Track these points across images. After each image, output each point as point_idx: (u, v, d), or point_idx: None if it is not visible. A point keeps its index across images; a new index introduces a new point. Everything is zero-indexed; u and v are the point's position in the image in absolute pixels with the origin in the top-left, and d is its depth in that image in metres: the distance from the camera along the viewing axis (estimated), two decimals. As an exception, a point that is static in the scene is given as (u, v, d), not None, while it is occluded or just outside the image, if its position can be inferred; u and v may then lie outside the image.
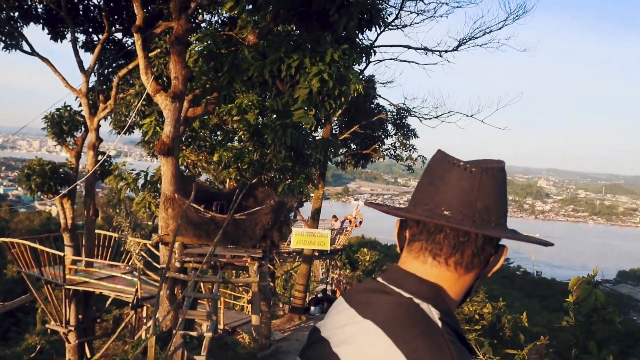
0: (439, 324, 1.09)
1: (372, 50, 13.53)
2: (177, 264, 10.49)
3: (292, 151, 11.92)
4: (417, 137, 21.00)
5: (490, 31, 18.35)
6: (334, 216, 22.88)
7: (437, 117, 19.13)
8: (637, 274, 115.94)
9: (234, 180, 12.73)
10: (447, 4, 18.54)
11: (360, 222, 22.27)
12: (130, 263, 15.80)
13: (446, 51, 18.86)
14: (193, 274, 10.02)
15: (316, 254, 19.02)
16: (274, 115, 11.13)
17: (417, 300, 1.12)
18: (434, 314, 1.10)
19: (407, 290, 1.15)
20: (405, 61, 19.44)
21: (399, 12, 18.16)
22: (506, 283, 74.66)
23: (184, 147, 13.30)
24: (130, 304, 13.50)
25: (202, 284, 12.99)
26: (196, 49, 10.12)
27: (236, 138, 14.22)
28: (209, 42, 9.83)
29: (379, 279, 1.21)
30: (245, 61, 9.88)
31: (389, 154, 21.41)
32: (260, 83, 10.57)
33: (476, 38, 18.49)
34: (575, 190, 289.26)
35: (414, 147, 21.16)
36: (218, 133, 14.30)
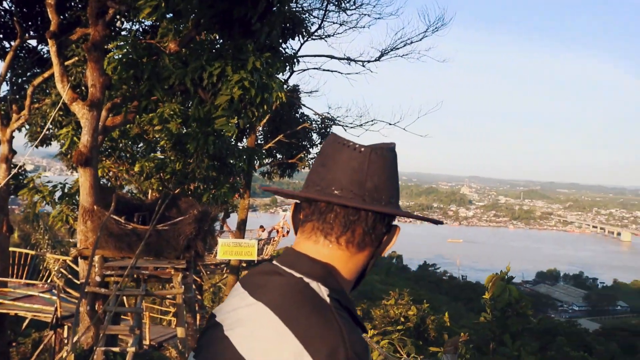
0: (328, 300, 1.10)
1: (295, 60, 13.65)
2: (98, 278, 10.14)
3: (215, 160, 11.79)
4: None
5: (411, 42, 18.88)
6: (261, 226, 22.75)
7: (360, 125, 19.46)
8: (554, 274, 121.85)
9: (156, 191, 12.45)
10: (368, 15, 18.94)
11: (288, 232, 22.22)
12: (49, 281, 15.09)
13: (369, 61, 19.23)
14: (114, 288, 9.70)
15: (244, 264, 18.83)
16: (196, 124, 10.99)
17: (307, 280, 1.13)
18: (323, 291, 1.11)
19: (299, 270, 1.15)
20: (328, 70, 19.68)
21: (321, 22, 18.39)
22: (433, 288, 76.66)
23: (103, 158, 12.88)
24: (49, 324, 12.87)
25: (125, 298, 12.58)
26: (115, 56, 9.85)
27: (158, 148, 13.91)
28: (128, 49, 9.60)
29: (274, 262, 1.22)
30: (166, 69, 9.72)
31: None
32: (181, 91, 10.41)
33: (397, 49, 18.98)
34: (496, 196, 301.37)
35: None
36: (140, 144, 13.95)
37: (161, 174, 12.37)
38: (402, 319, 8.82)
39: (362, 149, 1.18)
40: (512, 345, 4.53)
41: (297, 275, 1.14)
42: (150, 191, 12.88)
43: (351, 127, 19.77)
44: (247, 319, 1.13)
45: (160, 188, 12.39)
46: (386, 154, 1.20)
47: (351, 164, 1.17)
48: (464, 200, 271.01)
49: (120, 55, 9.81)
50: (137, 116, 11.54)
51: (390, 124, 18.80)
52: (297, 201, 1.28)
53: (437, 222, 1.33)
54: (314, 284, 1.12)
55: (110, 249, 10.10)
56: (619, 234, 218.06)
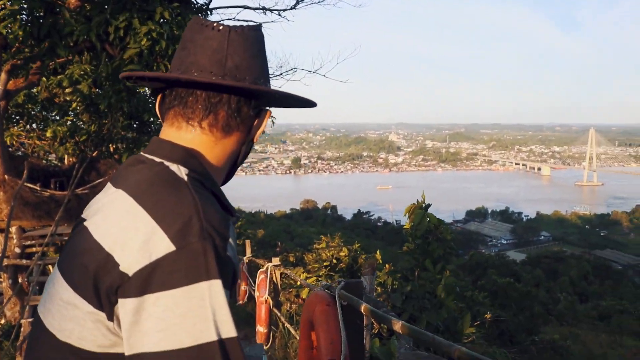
0: (185, 178, 1.05)
1: (208, 11, 13.15)
2: (17, 250, 9.71)
3: (132, 119, 11.36)
4: (265, 97, 21.00)
5: (326, -12, 18.59)
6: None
7: (280, 75, 19.16)
8: (482, 211, 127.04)
9: (72, 155, 11.91)
10: (282, -38, 18.49)
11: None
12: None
13: (285, 10, 18.79)
14: (36, 258, 9.32)
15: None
16: (107, 83, 10.49)
17: (167, 163, 1.08)
18: (182, 171, 1.06)
19: (159, 155, 1.10)
20: (243, 21, 19.15)
21: (234, -29, 17.79)
22: (369, 235, 78.49)
23: (10, 126, 12.17)
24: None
25: (51, 267, 12.16)
26: (7, 12, 9.17)
27: (71, 111, 13.25)
28: (22, 4, 8.95)
29: (140, 152, 1.16)
30: (67, 25, 9.15)
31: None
32: (88, 48, 9.87)
33: (313, -5, 18.66)
34: (423, 141, 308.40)
35: (262, 107, 21.19)
36: (51, 108, 13.24)
37: (76, 138, 11.82)
38: (335, 261, 8.91)
39: (221, 28, 1.12)
40: (433, 269, 4.67)
41: (158, 160, 1.09)
42: (66, 156, 12.32)
43: (272, 78, 19.48)
44: (104, 207, 1.07)
45: (77, 152, 11.87)
46: (248, 32, 1.15)
47: (210, 43, 1.12)
48: (392, 148, 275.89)
49: (11, 11, 9.14)
50: (45, 79, 10.91)
51: (310, 72, 18.60)
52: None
53: (311, 104, 1.27)
54: (174, 167, 1.07)
55: (27, 219, 9.66)
56: (539, 169, 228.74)
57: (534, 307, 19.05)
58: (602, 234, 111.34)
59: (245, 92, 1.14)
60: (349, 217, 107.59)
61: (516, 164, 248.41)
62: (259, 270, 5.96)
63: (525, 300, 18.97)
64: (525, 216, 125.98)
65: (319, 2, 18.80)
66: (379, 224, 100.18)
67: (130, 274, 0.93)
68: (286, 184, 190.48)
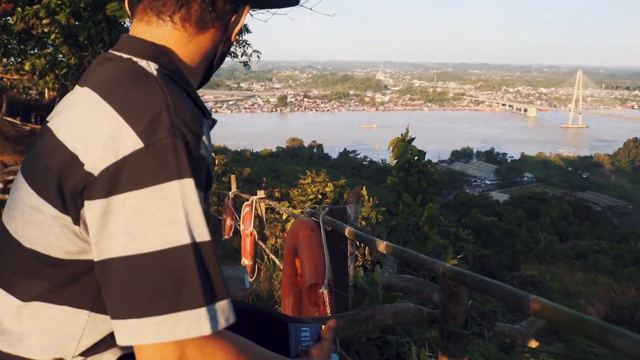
0: (155, 73, 0.97)
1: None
2: (0, 185, 9.63)
3: (113, 50, 11.05)
4: (250, 32, 20.48)
5: None
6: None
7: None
8: (467, 152, 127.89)
9: (52, 89, 11.65)
10: None
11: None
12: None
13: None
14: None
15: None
16: (87, 13, 10.14)
17: (135, 59, 1.00)
18: (151, 67, 0.99)
19: (128, 52, 1.02)
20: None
21: None
22: (355, 174, 78.88)
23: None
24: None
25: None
26: None
27: (49, 43, 12.86)
28: None
29: (109, 50, 1.08)
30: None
31: (224, 52, 20.82)
32: (65, -25, 9.49)
33: None
34: (411, 80, 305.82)
35: (248, 42, 20.72)
36: (28, 40, 12.85)
37: (56, 71, 11.52)
38: (320, 196, 8.94)
39: None
40: (413, 201, 4.69)
41: (126, 56, 1.01)
42: (46, 90, 12.04)
43: (255, 13, 19.02)
44: (68, 106, 1.00)
45: (57, 86, 11.59)
46: None
47: None
48: (379, 86, 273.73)
49: None
50: (20, 9, 10.53)
51: (296, 4, 18.17)
52: None
53: (293, 1, 1.22)
54: (143, 62, 0.99)
55: (9, 153, 9.57)
56: (525, 110, 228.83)
57: (516, 245, 19.48)
58: (584, 175, 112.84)
59: None
60: (335, 155, 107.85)
61: (503, 104, 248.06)
62: (244, 203, 5.97)
63: (507, 239, 19.37)
64: (509, 157, 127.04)
65: None
66: (364, 162, 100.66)
67: (96, 173, 0.87)
68: (272, 122, 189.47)
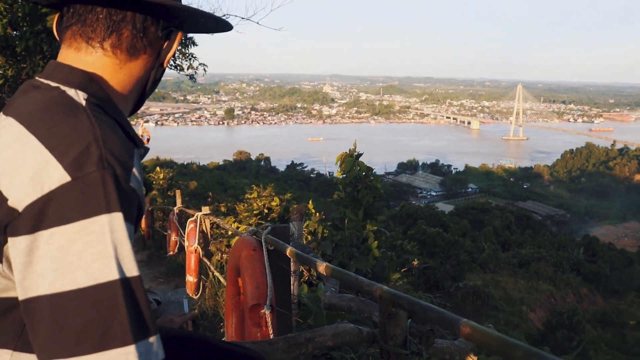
0: (83, 103, 0.94)
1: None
2: None
3: (54, 62, 10.73)
4: (196, 45, 20.28)
5: None
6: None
7: (214, 22, 18.61)
8: (413, 164, 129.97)
9: (-11, 100, 11.20)
10: None
11: (148, 140, 21.32)
12: None
13: (218, -48, 18.18)
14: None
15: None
16: (25, 23, 9.84)
17: (63, 88, 0.97)
18: (80, 96, 0.96)
19: (56, 79, 0.98)
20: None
21: None
22: (302, 186, 79.03)
23: None
24: None
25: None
26: None
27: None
28: None
29: (35, 77, 1.04)
30: (-21, -42, 8.48)
31: (169, 65, 20.54)
32: (2, -16, 9.19)
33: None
34: (357, 93, 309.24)
35: (194, 55, 20.54)
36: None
37: (-8, 82, 11.11)
38: (266, 210, 8.90)
39: None
40: (356, 217, 4.73)
41: (54, 84, 0.97)
42: (-19, 102, 11.58)
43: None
44: None
45: (-7, 97, 11.17)
46: None
47: None
48: (326, 99, 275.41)
49: None
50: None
51: (243, 19, 18.11)
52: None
53: (226, 26, 1.17)
54: (72, 91, 0.96)
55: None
56: (469, 122, 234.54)
57: (460, 256, 19.91)
58: (525, 186, 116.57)
59: (152, 10, 1.02)
60: (282, 168, 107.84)
61: (447, 117, 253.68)
62: (189, 220, 5.88)
63: (452, 249, 19.77)
64: (454, 169, 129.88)
65: (253, -55, 18.28)
66: (312, 175, 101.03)
67: (20, 209, 0.84)
68: (219, 135, 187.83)
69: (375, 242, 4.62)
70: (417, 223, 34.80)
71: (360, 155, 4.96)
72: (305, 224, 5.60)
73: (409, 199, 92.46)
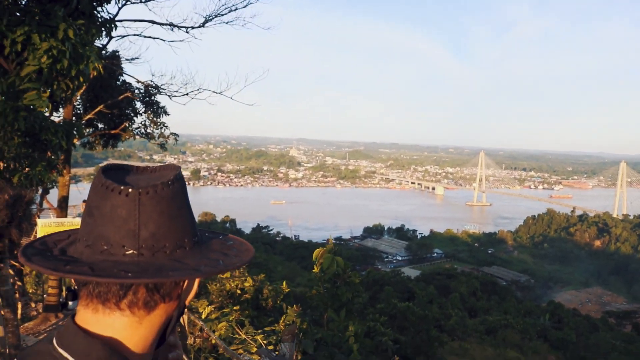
0: None
1: (113, 25, 12.71)
2: None
3: (27, 137, 10.68)
4: (168, 114, 20.46)
5: (236, 9, 18.44)
6: (84, 200, 21.25)
7: (186, 94, 18.81)
8: (379, 228, 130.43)
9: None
10: (191, -21, 18.17)
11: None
12: None
13: (193, 27, 18.53)
14: None
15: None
16: (2, 98, 9.82)
17: None
18: None
19: (75, 354, 0.96)
20: (150, 37, 18.65)
21: (141, -16, 17.27)
22: (268, 249, 78.35)
23: None
24: None
25: None
26: None
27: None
28: None
29: (53, 340, 1.00)
30: (-42, 36, 8.54)
31: (139, 132, 20.53)
32: (-20, 61, 9.22)
33: (222, 15, 18.45)
34: (324, 157, 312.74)
35: (165, 124, 20.61)
36: None
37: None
38: (239, 292, 8.82)
39: (130, 192, 0.97)
40: (337, 317, 4.74)
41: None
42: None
43: (177, 96, 19.07)
44: None
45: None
46: (162, 191, 1.00)
47: (118, 212, 0.97)
48: (293, 162, 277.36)
49: None
50: None
51: (216, 93, 18.40)
52: None
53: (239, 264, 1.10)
54: None
55: None
56: (433, 188, 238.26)
57: (430, 330, 19.88)
58: (489, 251, 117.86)
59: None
60: (248, 230, 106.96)
61: (412, 183, 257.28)
62: None
63: (422, 324, 19.77)
64: (419, 233, 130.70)
65: (227, 22, 18.71)
66: (277, 238, 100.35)
67: None
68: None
69: (356, 344, 4.60)
70: (384, 289, 34.68)
71: (338, 251, 5.00)
72: (282, 319, 5.56)
73: (375, 263, 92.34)
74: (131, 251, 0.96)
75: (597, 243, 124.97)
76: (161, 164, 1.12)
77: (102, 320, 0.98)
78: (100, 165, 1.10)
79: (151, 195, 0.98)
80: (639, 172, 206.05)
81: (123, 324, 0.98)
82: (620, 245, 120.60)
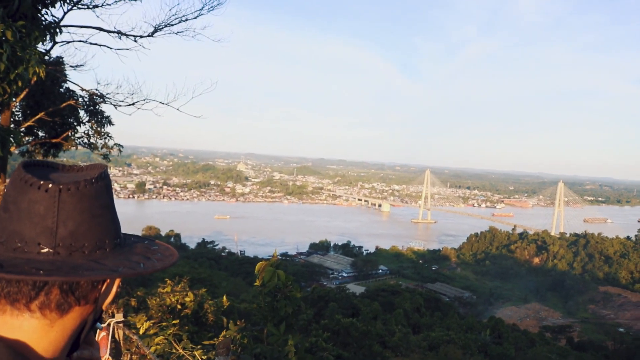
0: None
1: (57, 29, 12.37)
2: None
3: (-42, 144, 10.23)
4: (113, 124, 19.97)
5: (186, 19, 18.24)
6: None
7: (132, 104, 18.42)
8: (325, 245, 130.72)
9: None
10: (141, -13, 17.84)
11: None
12: None
13: (141, 36, 18.21)
14: None
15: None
16: None
17: None
18: None
19: None
20: (96, 44, 18.23)
21: (87, -10, 16.89)
22: (213, 265, 77.36)
23: None
24: None
25: None
26: None
27: None
28: None
29: None
30: None
31: (82, 142, 19.95)
32: None
33: (172, 25, 18.21)
34: (271, 172, 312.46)
35: (109, 134, 20.10)
36: None
37: None
38: (179, 307, 8.65)
39: (50, 187, 0.92)
40: (277, 331, 4.69)
41: None
42: None
43: (123, 106, 18.66)
44: None
45: None
46: (85, 189, 0.95)
47: (36, 208, 0.91)
48: (240, 177, 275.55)
49: None
50: None
51: (163, 104, 18.10)
52: None
53: (165, 265, 1.04)
54: None
55: None
56: (379, 205, 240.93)
57: (373, 345, 19.96)
58: (433, 268, 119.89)
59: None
60: (193, 245, 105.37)
61: (359, 199, 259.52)
62: (100, 327, 5.51)
63: (365, 340, 19.83)
64: (365, 250, 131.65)
65: (177, 32, 18.48)
66: (223, 253, 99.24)
67: None
68: (128, 209, 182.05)
69: (295, 358, 4.55)
70: (329, 305, 34.70)
71: (280, 264, 4.95)
72: (222, 334, 5.46)
73: (320, 279, 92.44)
74: (47, 249, 0.91)
75: (536, 260, 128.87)
76: (89, 164, 1.06)
77: (9, 322, 0.92)
78: (22, 160, 1.02)
79: (72, 192, 0.93)
80: (575, 192, 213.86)
81: (32, 327, 0.93)
82: (557, 262, 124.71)
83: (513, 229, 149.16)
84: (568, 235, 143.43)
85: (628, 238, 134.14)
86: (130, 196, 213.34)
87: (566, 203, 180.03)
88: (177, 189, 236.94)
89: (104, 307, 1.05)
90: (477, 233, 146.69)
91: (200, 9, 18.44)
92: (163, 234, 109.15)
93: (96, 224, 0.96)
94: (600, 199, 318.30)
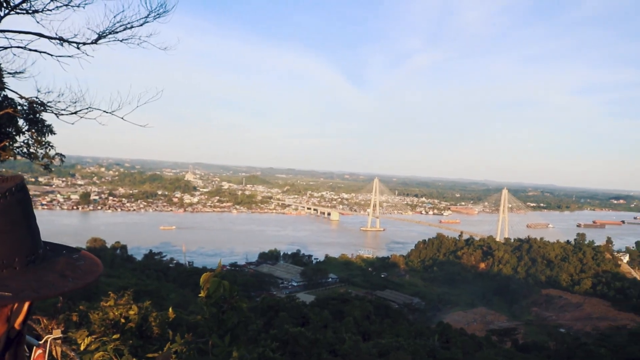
0: None
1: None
2: None
3: None
4: (54, 133, 19.32)
5: (132, 27, 17.85)
6: None
7: (75, 112, 17.90)
8: (275, 254, 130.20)
9: None
10: (82, -7, 17.41)
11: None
12: None
13: (84, 43, 17.73)
14: None
15: None
16: None
17: None
18: None
19: None
20: (36, 51, 17.67)
21: (26, -5, 16.35)
22: (160, 277, 75.87)
23: None
24: None
25: None
26: None
27: None
28: None
29: None
30: None
31: (21, 152, 19.24)
32: None
33: (117, 32, 17.77)
34: (220, 182, 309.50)
35: (51, 144, 19.44)
36: None
37: None
38: (123, 320, 8.42)
39: None
40: (222, 342, 4.63)
41: None
42: None
43: (65, 114, 18.12)
44: None
45: None
46: None
47: None
48: (188, 187, 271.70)
49: None
50: None
51: (107, 113, 17.66)
52: None
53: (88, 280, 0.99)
54: None
55: None
56: (329, 214, 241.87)
57: (322, 354, 19.95)
58: (382, 275, 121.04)
59: None
60: (140, 257, 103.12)
61: (308, 208, 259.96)
62: (36, 345, 5.29)
63: (314, 348, 19.79)
64: (315, 259, 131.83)
65: (122, 40, 18.10)
66: (171, 265, 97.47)
67: None
68: (72, 221, 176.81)
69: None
70: (279, 315, 34.55)
71: (225, 275, 4.88)
72: (166, 347, 5.33)
73: (270, 289, 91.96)
74: None
75: (482, 265, 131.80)
76: (6, 176, 0.98)
77: None
78: None
79: None
80: (518, 199, 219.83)
81: None
82: (502, 267, 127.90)
83: (460, 236, 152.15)
84: (512, 240, 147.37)
85: (568, 242, 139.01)
86: (74, 207, 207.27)
87: (510, 209, 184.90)
88: (124, 199, 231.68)
89: (17, 326, 0.97)
90: (425, 240, 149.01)
91: (146, 17, 18.10)
92: (109, 245, 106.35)
93: (4, 241, 0.88)
94: (542, 204, 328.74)
